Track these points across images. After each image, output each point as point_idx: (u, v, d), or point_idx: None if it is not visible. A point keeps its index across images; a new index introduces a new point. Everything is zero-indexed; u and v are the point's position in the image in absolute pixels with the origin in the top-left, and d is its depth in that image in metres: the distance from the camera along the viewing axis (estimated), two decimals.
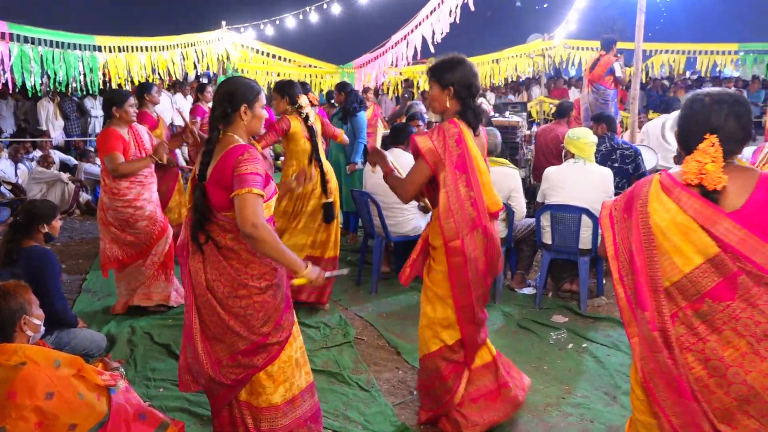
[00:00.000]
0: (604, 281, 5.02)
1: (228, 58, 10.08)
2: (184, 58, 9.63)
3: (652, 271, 1.85)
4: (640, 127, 7.66)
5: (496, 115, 7.63)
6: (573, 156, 4.69)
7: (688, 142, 1.87)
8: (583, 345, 4.07)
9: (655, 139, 6.73)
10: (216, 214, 2.47)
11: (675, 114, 6.91)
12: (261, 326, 2.54)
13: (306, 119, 4.55)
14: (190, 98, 10.45)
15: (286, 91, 4.56)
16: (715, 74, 15.16)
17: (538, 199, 4.86)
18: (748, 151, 5.34)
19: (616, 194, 4.79)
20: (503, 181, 4.70)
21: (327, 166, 4.69)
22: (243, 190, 2.33)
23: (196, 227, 2.49)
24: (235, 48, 10.12)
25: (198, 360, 2.56)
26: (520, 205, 4.76)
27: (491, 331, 4.32)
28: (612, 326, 4.36)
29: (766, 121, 7.66)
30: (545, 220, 4.68)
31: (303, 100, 4.55)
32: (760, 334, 1.75)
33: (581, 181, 4.59)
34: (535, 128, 8.62)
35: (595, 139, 4.73)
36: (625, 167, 5.33)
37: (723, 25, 23.65)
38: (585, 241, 4.55)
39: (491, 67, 10.76)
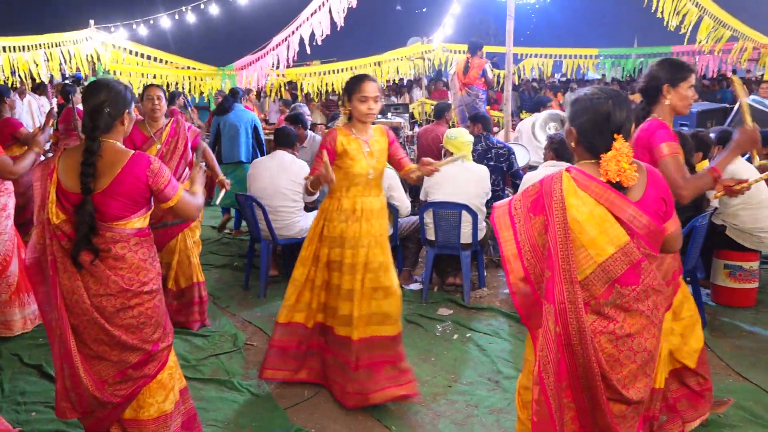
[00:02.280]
0: (485, 273, 5.27)
1: (98, 58, 9.54)
2: (48, 59, 9.00)
3: (567, 265, 1.98)
4: (513, 127, 8.11)
5: (379, 116, 7.77)
6: (452, 154, 4.88)
7: (593, 141, 2.02)
8: (467, 335, 4.26)
9: (527, 137, 7.15)
10: (104, 225, 2.39)
11: (545, 113, 7.39)
12: (152, 333, 2.50)
13: None
14: (55, 101, 9.79)
15: None
16: (580, 76, 16.34)
17: (421, 197, 5.02)
18: None
19: (492, 191, 5.06)
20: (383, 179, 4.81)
21: None
22: (178, 194, 2.50)
23: (82, 244, 2.36)
24: (105, 48, 9.58)
25: (79, 384, 2.41)
26: (402, 202, 4.89)
27: None
28: (493, 315, 4.60)
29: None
30: (428, 217, 4.84)
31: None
32: (652, 305, 2.03)
33: (461, 179, 4.79)
34: (417, 129, 8.87)
35: (472, 138, 4.96)
36: (500, 165, 5.63)
37: (585, 32, 25.49)
38: (466, 236, 4.76)
39: (373, 70, 10.91)
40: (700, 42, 9.52)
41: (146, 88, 4.24)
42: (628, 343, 2.00)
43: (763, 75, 10.05)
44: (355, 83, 3.27)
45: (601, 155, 1.98)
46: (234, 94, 7.17)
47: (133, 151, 2.45)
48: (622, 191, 1.98)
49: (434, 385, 3.56)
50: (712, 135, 4.77)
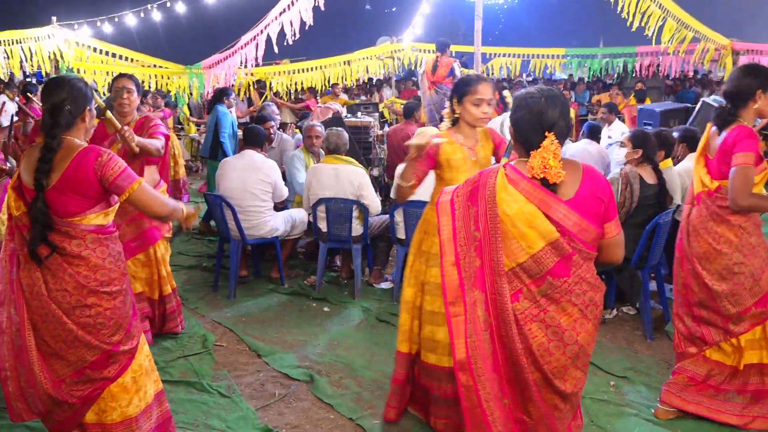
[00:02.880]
0: None
1: (61, 56, 9.33)
2: (8, 57, 8.77)
3: (496, 256, 2.04)
4: None
5: (349, 115, 7.76)
6: None
7: (528, 138, 2.06)
8: None
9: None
10: (59, 221, 2.36)
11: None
12: (111, 335, 2.45)
13: None
14: (17, 100, 9.54)
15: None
16: (548, 76, 16.53)
17: (392, 195, 5.02)
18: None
19: None
20: (352, 178, 4.82)
21: None
22: (133, 186, 2.40)
23: (37, 239, 2.33)
24: (68, 46, 9.37)
25: (35, 382, 2.37)
26: (372, 201, 4.89)
27: (351, 326, 4.43)
28: None
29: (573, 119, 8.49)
30: (399, 216, 4.85)
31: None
32: (587, 301, 2.08)
33: (431, 178, 4.79)
34: (387, 128, 8.88)
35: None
36: None
37: (552, 32, 25.81)
38: None
39: (343, 69, 10.92)
40: (664, 43, 9.72)
41: (116, 78, 3.82)
42: (559, 333, 2.04)
43: (723, 76, 10.30)
44: (468, 84, 2.87)
45: (531, 152, 2.02)
46: (221, 93, 7.05)
47: (84, 145, 2.42)
48: (553, 189, 2.01)
49: None
50: (675, 134, 4.87)
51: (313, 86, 10.77)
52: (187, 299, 4.86)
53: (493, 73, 12.90)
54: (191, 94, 9.25)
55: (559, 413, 2.13)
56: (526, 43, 13.60)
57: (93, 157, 2.36)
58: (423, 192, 4.72)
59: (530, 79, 16.17)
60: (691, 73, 15.09)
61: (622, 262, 2.25)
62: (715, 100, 6.54)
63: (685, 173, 4.62)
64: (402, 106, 8.16)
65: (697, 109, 6.53)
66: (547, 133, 2.01)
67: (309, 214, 5.14)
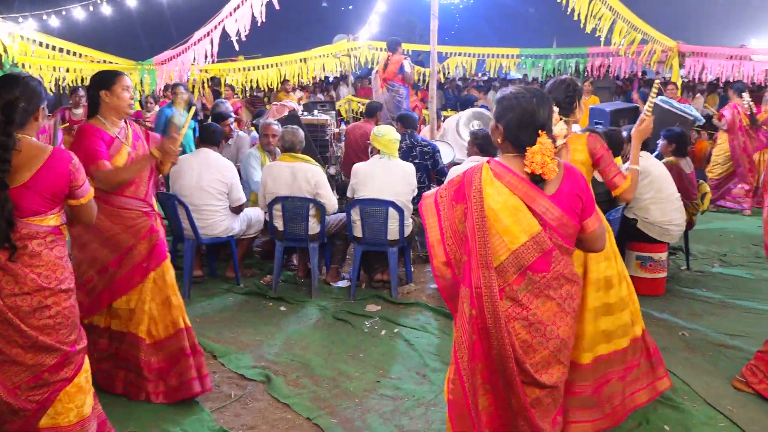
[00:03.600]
0: (412, 269, 5.34)
1: (5, 50, 8.98)
2: None
3: (484, 251, 2.09)
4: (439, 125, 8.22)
5: (305, 113, 7.71)
6: (379, 152, 4.92)
7: (519, 136, 2.10)
8: (395, 330, 4.30)
9: (452, 134, 7.28)
10: (20, 221, 2.34)
11: (468, 111, 7.55)
12: (69, 335, 2.46)
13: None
14: None
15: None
16: (503, 76, 16.76)
17: (348, 194, 5.02)
18: None
19: (418, 188, 5.12)
20: (308, 177, 4.79)
21: None
22: (87, 196, 2.50)
23: (1, 240, 2.30)
24: (12, 39, 9.04)
25: None
26: (329, 199, 4.88)
27: (308, 325, 4.41)
28: (420, 310, 4.66)
29: None
30: (355, 215, 4.85)
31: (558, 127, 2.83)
32: (565, 294, 2.14)
33: (387, 176, 4.83)
34: (344, 126, 8.86)
35: (398, 136, 5.00)
36: (425, 163, 5.71)
37: (507, 32, 26.17)
38: (393, 232, 4.80)
39: (299, 66, 10.84)
40: (615, 44, 9.96)
41: (117, 75, 3.16)
42: (541, 329, 2.11)
43: (670, 77, 10.62)
44: None
45: (527, 149, 2.07)
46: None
47: (51, 147, 2.42)
48: (538, 185, 2.09)
49: (363, 381, 3.58)
50: (624, 133, 5.00)
51: (270, 84, 10.67)
52: None
53: (449, 72, 13.02)
54: (143, 90, 9.04)
55: (542, 407, 2.17)
56: (482, 42, 13.75)
57: (67, 160, 2.40)
58: (379, 191, 4.74)
59: (485, 78, 16.39)
60: (639, 74, 15.50)
61: (603, 250, 2.32)
62: (662, 100, 6.73)
63: None
64: (364, 105, 8.15)
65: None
66: (540, 132, 2.07)
67: (265, 213, 5.10)
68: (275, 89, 11.23)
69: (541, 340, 2.11)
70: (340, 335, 4.23)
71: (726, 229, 7.19)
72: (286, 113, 6.87)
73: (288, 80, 10.92)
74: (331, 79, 14.98)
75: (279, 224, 4.92)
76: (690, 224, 5.37)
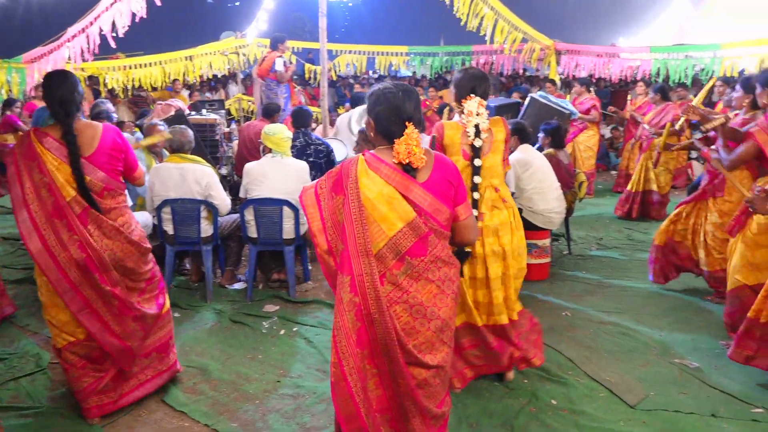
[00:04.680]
0: (310, 267, 5.33)
1: None
2: None
3: (363, 239, 2.16)
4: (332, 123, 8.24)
5: (193, 113, 7.47)
6: (271, 151, 4.86)
7: (389, 128, 2.22)
8: (294, 329, 4.28)
9: (345, 132, 7.32)
10: None
11: (360, 108, 7.62)
12: None
13: (476, 131, 3.18)
14: None
15: (457, 82, 3.29)
16: (393, 73, 17.02)
17: (241, 194, 4.93)
18: None
19: None
20: (198, 178, 4.66)
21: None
22: None
23: None
24: None
25: None
26: (222, 200, 4.77)
27: (204, 330, 4.30)
28: (319, 308, 4.67)
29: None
30: (249, 215, 4.77)
31: (470, 103, 3.18)
32: (443, 276, 2.26)
33: (280, 175, 4.78)
34: (234, 126, 8.67)
35: (290, 134, 4.97)
36: (319, 161, 5.71)
37: (396, 30, 26.61)
38: (288, 231, 4.77)
39: (185, 65, 10.47)
40: (498, 43, 10.41)
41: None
42: (422, 311, 2.21)
43: (549, 73, 11.24)
44: None
45: (395, 140, 2.19)
46: None
47: None
48: (410, 173, 2.20)
49: (263, 382, 3.54)
50: (508, 126, 5.24)
51: (153, 83, 10.23)
52: (16, 316, 4.43)
53: (339, 70, 13.07)
54: (10, 90, 8.38)
55: (430, 388, 2.27)
56: (372, 40, 13.93)
57: None
58: (273, 190, 4.69)
59: (376, 76, 16.58)
60: (521, 71, 16.28)
61: (474, 243, 2.44)
62: (541, 95, 7.13)
63: (518, 164, 5.01)
64: (254, 103, 8.01)
65: (526, 104, 7.07)
66: (407, 123, 2.18)
67: (153, 217, 4.89)
68: (160, 88, 10.77)
69: (423, 321, 2.22)
70: (238, 338, 4.16)
71: (602, 215, 7.73)
72: (173, 113, 6.62)
73: (177, 80, 10.52)
74: (219, 77, 14.56)
75: (169, 228, 4.75)
76: (569, 211, 5.73)
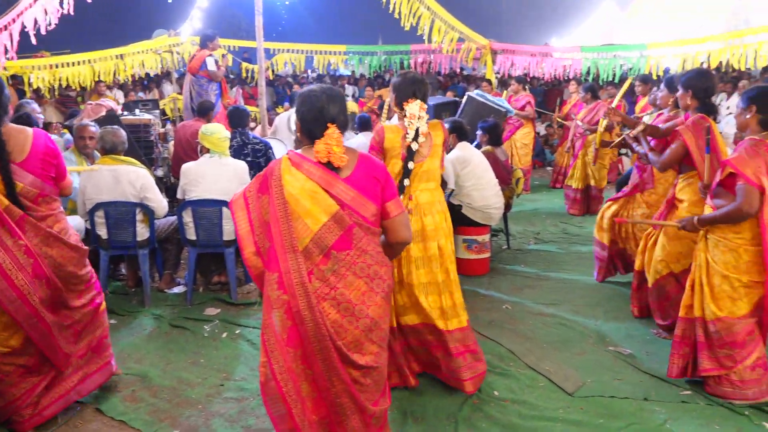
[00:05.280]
0: None
1: None
2: None
3: (288, 235, 2.18)
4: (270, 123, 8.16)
5: (126, 113, 7.23)
6: (208, 151, 4.77)
7: (311, 129, 2.28)
8: (237, 331, 4.22)
9: (284, 131, 7.26)
10: None
11: None
12: None
13: (416, 135, 3.21)
14: None
15: (397, 86, 3.30)
16: (332, 72, 16.98)
17: (178, 195, 4.81)
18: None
19: None
20: (132, 179, 4.53)
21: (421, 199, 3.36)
22: None
23: None
24: None
25: None
26: (158, 202, 4.65)
27: (142, 336, 4.18)
28: (261, 309, 4.61)
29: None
30: (187, 216, 4.67)
31: (412, 106, 3.21)
32: (372, 274, 2.27)
33: (219, 175, 4.70)
34: (169, 126, 8.45)
35: (228, 134, 4.89)
36: (257, 161, 5.64)
37: (334, 29, 26.52)
38: (229, 232, 4.69)
39: (115, 63, 10.12)
40: (436, 42, 10.53)
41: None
42: (350, 308, 2.23)
43: (485, 73, 11.45)
44: None
45: (316, 141, 2.25)
46: None
47: None
48: (335, 171, 2.25)
49: (206, 386, 3.47)
50: (446, 125, 5.32)
51: (82, 83, 9.85)
52: None
53: (277, 69, 12.93)
54: None
55: (361, 387, 2.28)
56: (310, 39, 13.84)
57: None
58: (211, 190, 4.60)
59: (315, 75, 16.50)
60: (458, 70, 16.53)
61: (410, 241, 2.47)
62: (478, 94, 7.26)
63: (457, 161, 5.09)
64: (187, 103, 7.83)
65: (464, 102, 7.19)
66: (329, 125, 2.23)
67: (86, 221, 4.72)
68: (89, 88, 10.38)
69: (351, 319, 2.23)
70: (179, 342, 4.06)
71: (538, 210, 7.95)
72: (104, 113, 6.39)
73: (102, 81, 10.14)
74: (152, 76, 14.14)
75: (102, 232, 4.59)
76: (508, 207, 5.86)
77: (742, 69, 9.52)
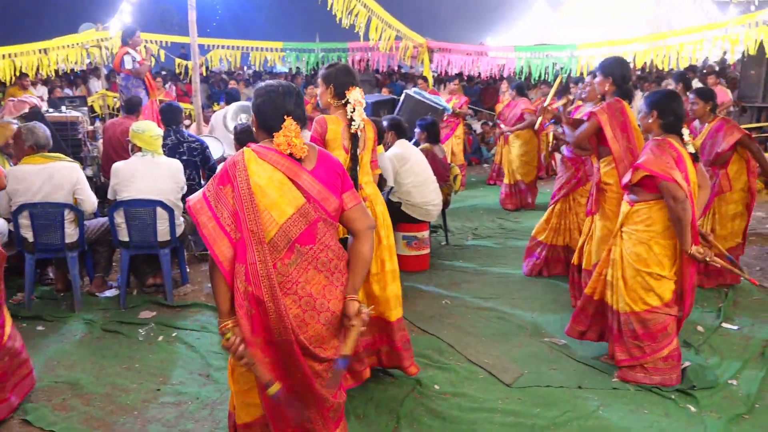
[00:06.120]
0: (188, 269, 5.14)
1: None
2: None
3: (255, 227, 2.16)
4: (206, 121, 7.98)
5: (51, 110, 6.93)
6: (140, 149, 4.62)
7: (269, 122, 2.27)
8: (174, 334, 4.12)
9: (220, 129, 7.12)
10: None
11: (235, 105, 7.45)
12: None
13: (351, 122, 3.25)
14: None
15: (333, 77, 3.26)
16: (269, 69, 16.77)
17: (109, 196, 4.64)
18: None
19: (188, 185, 4.93)
20: (67, 175, 4.35)
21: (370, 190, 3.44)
22: None
23: None
24: None
25: None
26: (89, 200, 4.48)
27: (72, 342, 4.02)
28: (200, 311, 4.52)
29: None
30: (119, 217, 4.51)
31: (354, 93, 3.23)
32: (333, 268, 2.27)
33: (152, 174, 4.56)
34: (98, 123, 8.14)
35: (160, 131, 4.75)
36: (193, 159, 5.50)
37: (270, 25, 26.19)
38: (163, 233, 4.56)
39: (38, 58, 9.65)
40: (373, 40, 10.55)
41: None
42: (312, 303, 2.21)
43: (423, 71, 11.56)
44: None
45: (275, 133, 2.24)
46: None
47: None
48: (299, 162, 2.24)
49: (141, 392, 3.37)
50: (384, 122, 5.35)
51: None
52: None
53: (212, 65, 12.67)
54: None
55: (322, 381, 2.28)
56: (246, 35, 13.62)
57: None
58: (145, 190, 4.47)
59: (251, 72, 16.26)
60: (396, 68, 16.62)
61: (374, 225, 2.45)
62: (416, 92, 7.32)
63: (395, 158, 5.12)
64: (116, 99, 7.57)
65: (401, 100, 7.23)
66: (286, 117, 2.23)
67: (9, 222, 4.49)
68: (8, 84, 9.87)
69: (313, 314, 2.22)
70: (112, 347, 3.93)
71: (476, 206, 8.10)
72: (26, 110, 6.10)
73: (26, 74, 9.67)
74: (79, 72, 13.61)
75: (28, 235, 4.38)
76: (446, 203, 5.94)
77: (665, 69, 9.97)
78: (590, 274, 3.89)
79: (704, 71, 12.02)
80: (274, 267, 2.17)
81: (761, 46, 7.94)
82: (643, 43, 9.31)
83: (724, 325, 4.20)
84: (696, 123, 4.98)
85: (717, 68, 11.23)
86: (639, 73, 13.63)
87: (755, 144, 4.84)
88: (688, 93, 5.02)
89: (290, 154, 2.22)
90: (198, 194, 2.28)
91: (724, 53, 9.25)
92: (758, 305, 4.58)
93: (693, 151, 3.32)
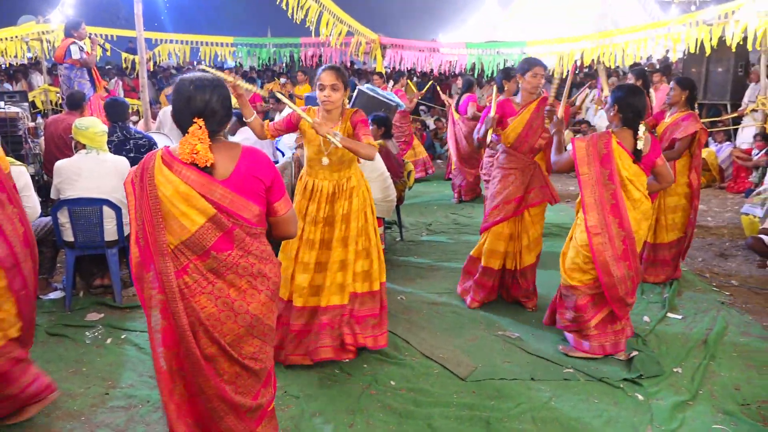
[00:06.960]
0: None
1: None
2: None
3: (159, 236, 2.07)
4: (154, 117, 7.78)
5: None
6: (84, 147, 4.47)
7: (180, 122, 2.09)
8: (123, 336, 4.01)
9: (169, 125, 6.95)
10: None
11: None
12: None
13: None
14: None
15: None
16: (219, 64, 16.48)
17: (52, 195, 4.48)
18: None
19: None
20: (16, 178, 4.16)
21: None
22: None
23: None
24: None
25: None
26: (35, 202, 4.30)
27: None
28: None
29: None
30: (63, 217, 4.36)
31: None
32: (256, 272, 2.19)
33: (97, 172, 4.42)
34: (41, 120, 7.85)
35: (105, 128, 4.61)
36: (140, 156, 5.36)
37: (221, 20, 25.73)
38: (110, 232, 4.43)
39: None
40: (324, 35, 10.49)
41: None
42: (229, 304, 2.15)
43: (375, 66, 11.56)
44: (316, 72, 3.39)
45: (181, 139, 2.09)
46: None
47: None
48: (208, 170, 2.08)
49: (89, 396, 3.27)
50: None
51: None
52: None
53: (160, 60, 12.38)
54: None
55: (242, 381, 2.24)
56: (196, 30, 13.35)
57: None
58: (90, 189, 4.33)
59: (201, 67, 15.95)
60: (349, 64, 16.57)
61: (294, 236, 2.43)
62: (369, 88, 7.31)
63: None
64: (59, 95, 7.31)
65: (354, 95, 7.21)
66: (195, 119, 2.04)
67: None
68: None
69: (230, 314, 2.15)
70: (57, 351, 3.79)
71: (430, 202, 8.15)
72: None
73: None
74: (18, 66, 13.08)
75: None
76: (400, 199, 5.96)
77: (612, 67, 10.23)
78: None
79: (647, 69, 12.40)
80: (186, 268, 2.10)
81: (701, 45, 8.24)
82: (591, 41, 9.54)
83: (669, 315, 4.36)
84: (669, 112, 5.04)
85: (659, 66, 11.59)
86: (587, 70, 13.94)
87: (702, 142, 4.97)
88: (671, 82, 5.07)
89: (194, 163, 2.05)
90: (131, 174, 2.17)
91: (667, 52, 9.54)
92: (700, 295, 4.76)
93: (641, 147, 3.53)
